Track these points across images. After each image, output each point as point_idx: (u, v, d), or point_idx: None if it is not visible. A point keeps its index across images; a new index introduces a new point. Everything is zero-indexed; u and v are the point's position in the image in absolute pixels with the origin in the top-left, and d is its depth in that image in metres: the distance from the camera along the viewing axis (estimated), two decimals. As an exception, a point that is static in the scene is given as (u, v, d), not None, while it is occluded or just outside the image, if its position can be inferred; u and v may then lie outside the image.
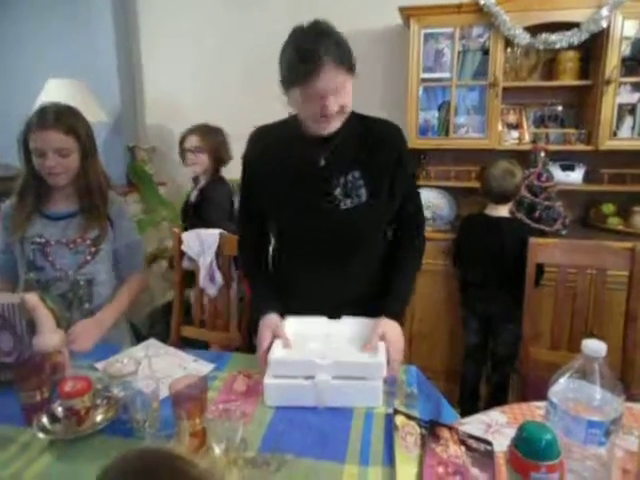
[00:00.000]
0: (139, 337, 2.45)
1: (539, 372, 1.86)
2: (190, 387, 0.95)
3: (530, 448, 0.63)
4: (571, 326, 1.71)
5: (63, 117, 1.39)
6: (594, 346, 0.69)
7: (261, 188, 1.23)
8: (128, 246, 1.56)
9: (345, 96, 1.06)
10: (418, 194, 1.30)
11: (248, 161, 1.27)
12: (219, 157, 2.38)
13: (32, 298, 1.19)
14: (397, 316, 1.19)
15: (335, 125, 1.09)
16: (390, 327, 1.15)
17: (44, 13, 3.03)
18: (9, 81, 3.09)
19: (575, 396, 0.71)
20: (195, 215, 2.35)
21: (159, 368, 1.24)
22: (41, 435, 0.95)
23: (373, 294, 1.26)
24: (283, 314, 1.22)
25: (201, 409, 0.92)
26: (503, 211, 2.06)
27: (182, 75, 3.01)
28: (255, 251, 1.34)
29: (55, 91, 2.52)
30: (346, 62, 1.03)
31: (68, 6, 2.96)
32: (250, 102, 2.81)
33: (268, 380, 1.05)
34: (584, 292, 1.75)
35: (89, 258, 1.48)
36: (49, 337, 1.18)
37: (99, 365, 1.23)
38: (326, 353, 1.08)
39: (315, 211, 1.17)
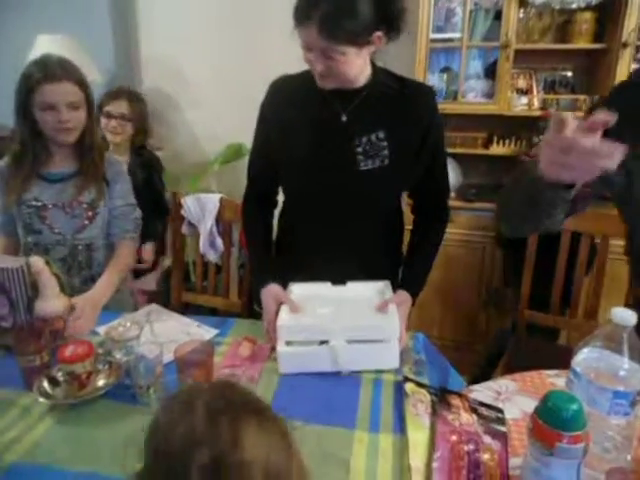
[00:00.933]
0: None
1: (534, 336, 1.86)
2: (195, 352, 0.93)
3: (555, 418, 0.61)
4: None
5: (70, 68, 1.32)
6: (624, 315, 0.66)
7: (278, 139, 1.15)
8: (121, 208, 1.48)
9: (337, 62, 0.95)
10: (446, 165, 1.20)
11: (266, 110, 1.17)
12: (144, 129, 2.21)
13: (38, 262, 1.14)
14: (413, 296, 1.18)
15: (331, 85, 1.01)
16: (405, 300, 1.14)
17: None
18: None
19: (599, 365, 0.69)
20: (149, 191, 2.17)
21: (161, 333, 1.21)
22: (42, 399, 0.92)
23: (382, 265, 1.23)
24: (284, 286, 1.18)
25: (207, 374, 0.90)
26: None
27: (180, 34, 2.87)
28: (259, 215, 1.29)
29: (46, 48, 2.40)
30: (345, 25, 0.89)
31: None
32: (252, 64, 2.70)
33: (281, 348, 1.02)
34: (584, 259, 1.72)
35: (87, 222, 1.42)
36: (52, 302, 1.14)
37: (101, 329, 1.21)
38: (337, 316, 1.05)
39: (332, 169, 1.10)
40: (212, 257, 1.89)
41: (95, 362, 1.00)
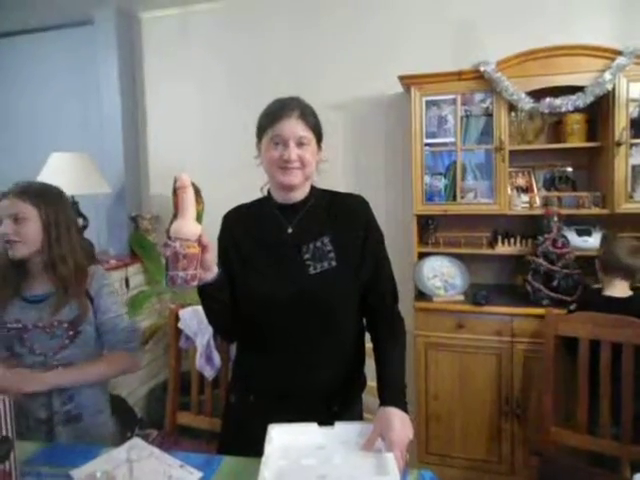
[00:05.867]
0: (133, 420, 2.31)
1: (558, 456, 1.68)
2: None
3: None
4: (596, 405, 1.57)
5: (24, 187, 1.37)
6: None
7: (240, 270, 1.20)
8: (109, 322, 1.44)
9: (306, 152, 1.14)
10: (391, 273, 1.25)
11: (223, 243, 1.26)
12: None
13: (185, 179, 0.99)
14: (404, 409, 1.08)
15: (296, 178, 1.14)
16: (402, 439, 1.01)
17: (48, 85, 3.14)
18: (10, 157, 3.11)
19: None
20: None
21: (140, 475, 1.10)
22: None
23: (342, 383, 1.20)
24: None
25: None
26: (626, 289, 1.87)
27: (187, 144, 3.03)
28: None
29: (58, 165, 2.50)
30: (311, 122, 1.15)
31: (75, 77, 3.08)
32: (256, 172, 2.78)
33: None
34: (606, 367, 1.62)
35: (67, 342, 1.38)
36: (189, 224, 0.98)
37: (75, 473, 1.10)
38: (325, 472, 0.92)
39: (284, 277, 1.15)
40: (208, 373, 1.79)
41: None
